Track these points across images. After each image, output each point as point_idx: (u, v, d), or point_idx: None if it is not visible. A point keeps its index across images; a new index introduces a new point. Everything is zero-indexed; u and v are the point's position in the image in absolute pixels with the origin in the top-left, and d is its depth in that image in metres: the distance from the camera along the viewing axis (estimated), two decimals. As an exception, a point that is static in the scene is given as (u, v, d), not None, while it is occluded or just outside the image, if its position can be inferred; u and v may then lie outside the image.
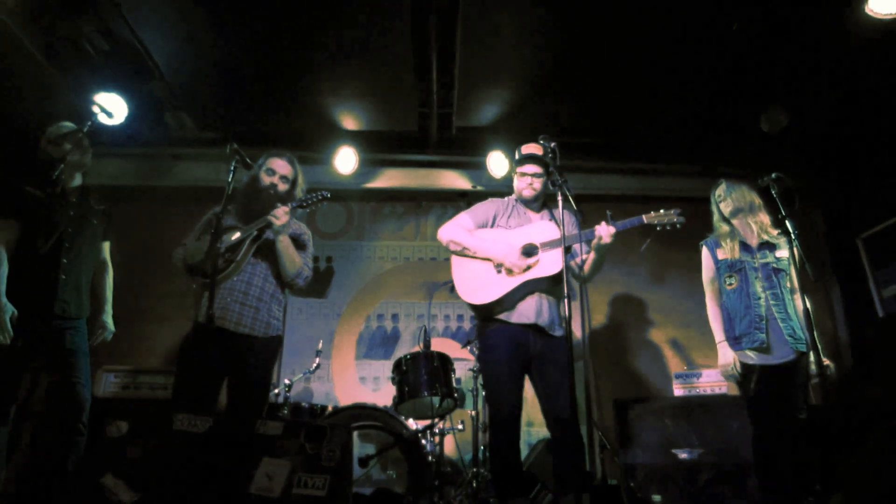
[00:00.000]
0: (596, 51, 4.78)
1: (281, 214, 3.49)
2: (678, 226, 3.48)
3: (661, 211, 3.50)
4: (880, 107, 5.25)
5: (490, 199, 3.91)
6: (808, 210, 6.41)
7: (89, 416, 3.58)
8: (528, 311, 3.50)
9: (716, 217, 4.06)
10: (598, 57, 4.85)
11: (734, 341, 3.76)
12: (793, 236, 3.39)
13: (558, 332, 3.54)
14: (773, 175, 3.52)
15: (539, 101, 5.46)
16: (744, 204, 3.90)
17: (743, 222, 3.92)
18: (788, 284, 3.75)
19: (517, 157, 3.80)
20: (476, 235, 3.71)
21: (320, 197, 3.66)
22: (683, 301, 6.27)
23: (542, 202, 3.87)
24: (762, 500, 3.60)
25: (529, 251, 3.56)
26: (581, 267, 3.67)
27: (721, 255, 3.93)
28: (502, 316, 3.53)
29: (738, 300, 3.79)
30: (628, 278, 6.37)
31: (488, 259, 3.60)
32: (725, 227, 3.97)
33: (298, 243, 3.82)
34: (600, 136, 6.04)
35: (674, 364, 5.95)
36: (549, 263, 3.47)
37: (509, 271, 3.52)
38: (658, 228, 3.50)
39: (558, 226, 3.48)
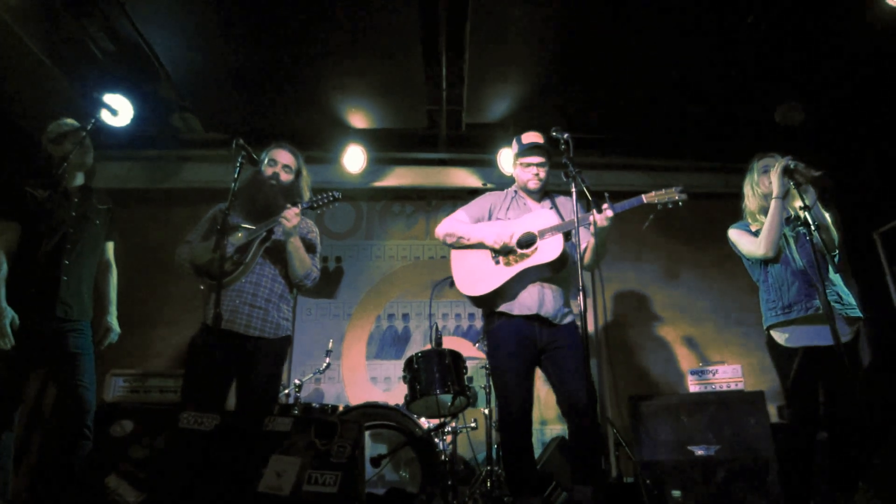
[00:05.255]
0: (608, 45, 4.70)
1: (291, 216, 3.41)
2: (681, 203, 3.30)
3: (662, 190, 3.31)
4: (897, 99, 5.14)
5: (487, 193, 3.82)
6: (823, 204, 6.30)
7: (97, 421, 3.53)
8: (529, 301, 3.40)
9: (750, 192, 3.81)
10: (610, 51, 4.77)
11: (785, 311, 3.55)
12: (812, 228, 3.27)
13: (566, 321, 3.44)
14: (792, 164, 3.44)
15: (549, 96, 5.38)
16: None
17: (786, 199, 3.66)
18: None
19: (518, 147, 3.66)
20: (472, 226, 3.62)
21: (331, 198, 3.57)
22: (698, 298, 6.19)
23: (544, 192, 3.75)
24: (784, 493, 3.50)
25: (528, 240, 3.43)
26: (583, 254, 3.49)
27: (756, 229, 3.74)
28: (504, 308, 3.44)
29: (783, 270, 3.61)
30: (642, 275, 6.29)
31: (483, 246, 3.51)
32: (757, 202, 3.76)
33: (307, 243, 3.74)
34: (612, 132, 5.96)
35: (688, 361, 5.86)
36: (548, 250, 3.34)
37: (507, 262, 3.41)
38: (659, 207, 3.32)
39: (558, 212, 3.37)
